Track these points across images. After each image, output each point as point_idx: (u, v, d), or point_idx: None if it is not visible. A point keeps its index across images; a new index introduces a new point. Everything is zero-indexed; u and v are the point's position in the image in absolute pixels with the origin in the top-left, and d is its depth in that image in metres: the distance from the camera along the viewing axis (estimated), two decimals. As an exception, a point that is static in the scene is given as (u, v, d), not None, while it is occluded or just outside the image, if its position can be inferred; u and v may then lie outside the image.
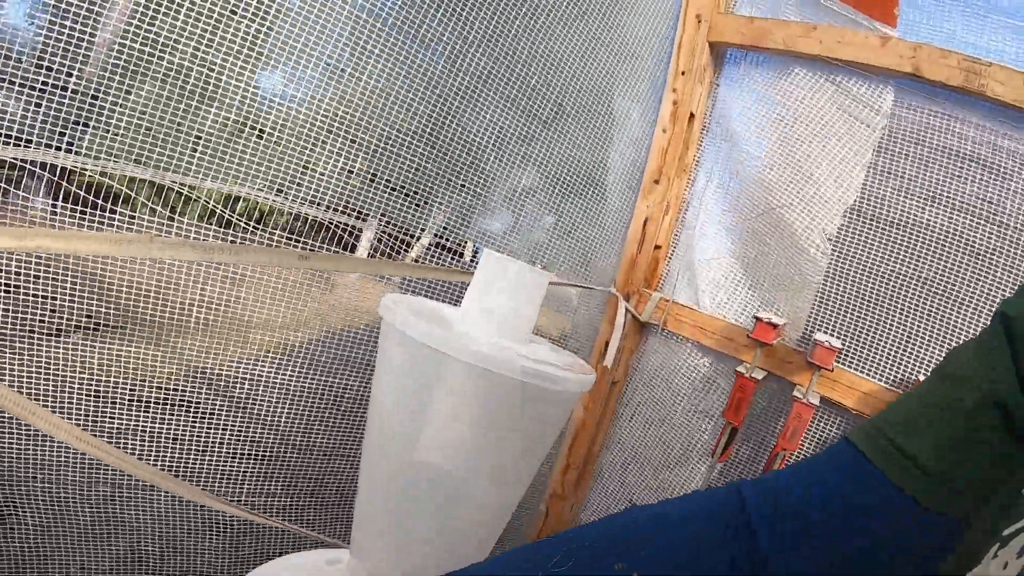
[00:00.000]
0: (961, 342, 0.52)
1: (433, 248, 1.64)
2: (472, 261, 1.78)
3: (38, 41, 1.04)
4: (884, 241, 1.75)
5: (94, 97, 1.09)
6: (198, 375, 1.42)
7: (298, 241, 1.40)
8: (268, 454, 1.57)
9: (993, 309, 1.58)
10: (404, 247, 1.54)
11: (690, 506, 0.56)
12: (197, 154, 1.24)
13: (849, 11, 1.74)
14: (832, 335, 1.79)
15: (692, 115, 1.99)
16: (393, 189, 1.48)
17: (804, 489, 0.51)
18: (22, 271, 1.16)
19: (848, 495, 0.50)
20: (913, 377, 1.71)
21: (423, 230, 1.58)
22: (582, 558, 0.52)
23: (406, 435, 0.66)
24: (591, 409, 2.09)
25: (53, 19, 1.05)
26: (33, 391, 1.24)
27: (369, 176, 1.44)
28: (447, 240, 1.66)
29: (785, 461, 1.78)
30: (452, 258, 1.67)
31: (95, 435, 1.27)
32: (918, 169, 1.72)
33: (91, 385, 1.30)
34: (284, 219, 1.41)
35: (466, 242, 1.74)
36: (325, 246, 1.44)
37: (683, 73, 1.96)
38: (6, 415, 1.22)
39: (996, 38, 1.59)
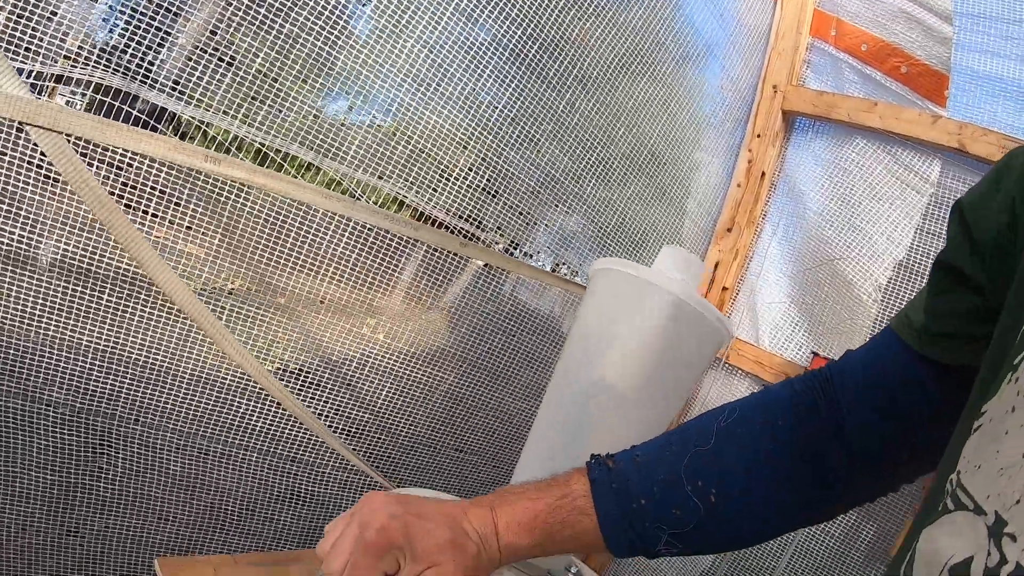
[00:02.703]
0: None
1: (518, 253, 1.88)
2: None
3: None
4: None
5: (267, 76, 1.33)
6: (314, 349, 1.59)
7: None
8: (362, 433, 1.73)
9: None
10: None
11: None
12: (354, 147, 1.47)
13: (907, 91, 1.97)
14: None
15: (763, 173, 2.22)
16: (509, 207, 1.73)
17: (863, 362, 0.72)
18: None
19: (885, 358, 0.70)
20: None
21: (529, 246, 1.82)
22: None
23: (600, 355, 0.84)
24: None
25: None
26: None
27: (492, 192, 1.69)
28: (558, 266, 1.90)
29: None
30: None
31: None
32: None
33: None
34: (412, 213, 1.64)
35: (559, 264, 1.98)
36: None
37: (758, 136, 2.21)
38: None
39: None
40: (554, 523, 0.71)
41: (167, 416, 1.46)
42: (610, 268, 0.88)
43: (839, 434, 0.68)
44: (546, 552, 0.73)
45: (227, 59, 1.29)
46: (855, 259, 2.02)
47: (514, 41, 1.59)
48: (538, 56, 1.65)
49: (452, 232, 1.65)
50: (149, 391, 1.42)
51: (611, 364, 0.83)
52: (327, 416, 1.66)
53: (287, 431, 1.62)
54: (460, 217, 1.66)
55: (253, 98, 1.34)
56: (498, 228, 1.74)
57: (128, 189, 1.26)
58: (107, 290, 1.30)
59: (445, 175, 1.62)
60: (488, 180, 1.68)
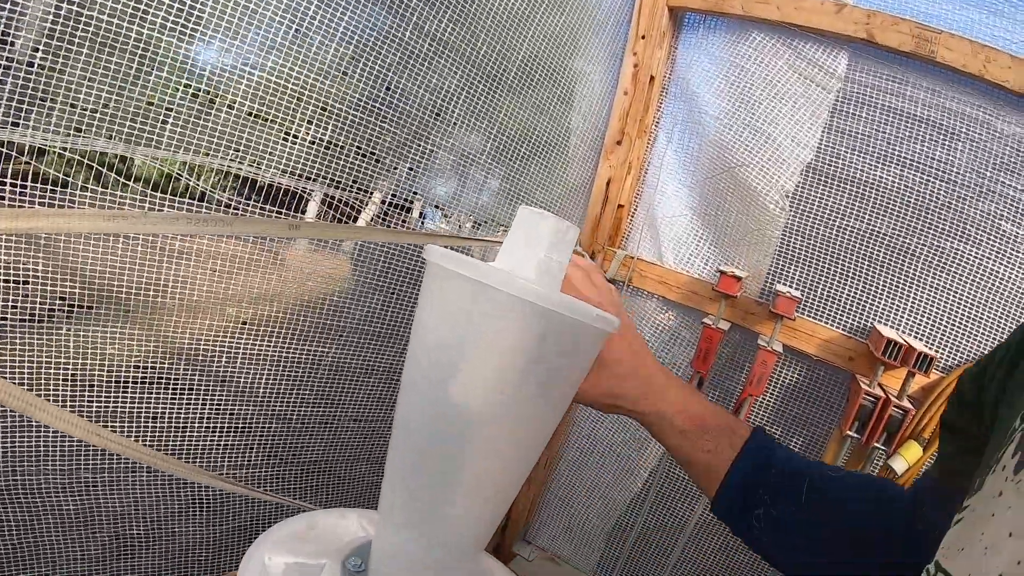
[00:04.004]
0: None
1: (387, 206, 1.64)
2: (420, 218, 1.79)
3: None
4: (839, 198, 1.86)
5: (51, 70, 1.09)
6: (174, 352, 1.42)
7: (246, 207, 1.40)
8: (247, 426, 1.58)
9: (940, 257, 1.67)
10: (356, 211, 1.55)
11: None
12: (168, 127, 1.24)
13: (805, -22, 1.79)
14: (791, 287, 1.89)
15: (652, 78, 2.03)
16: (354, 151, 1.49)
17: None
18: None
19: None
20: (868, 325, 1.83)
21: (374, 190, 1.59)
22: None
23: (444, 373, 0.67)
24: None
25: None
26: (16, 379, 1.20)
27: (339, 144, 1.46)
28: (404, 200, 1.68)
29: (751, 406, 1.90)
30: (405, 215, 1.68)
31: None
32: (871, 129, 1.82)
33: (68, 369, 1.27)
34: (233, 183, 1.42)
35: (414, 201, 1.75)
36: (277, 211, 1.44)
37: (643, 37, 2.00)
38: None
39: (947, 7, 1.68)
40: (702, 431, 0.80)
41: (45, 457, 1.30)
42: (441, 267, 0.66)
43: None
44: (664, 442, 0.81)
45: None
46: (759, 165, 1.90)
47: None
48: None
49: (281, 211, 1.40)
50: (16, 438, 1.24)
51: (465, 387, 0.68)
52: (209, 417, 1.49)
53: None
54: (305, 178, 1.41)
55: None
56: (352, 181, 1.50)
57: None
58: None
59: (281, 135, 1.36)
60: (333, 131, 1.43)
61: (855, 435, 1.69)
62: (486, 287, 0.63)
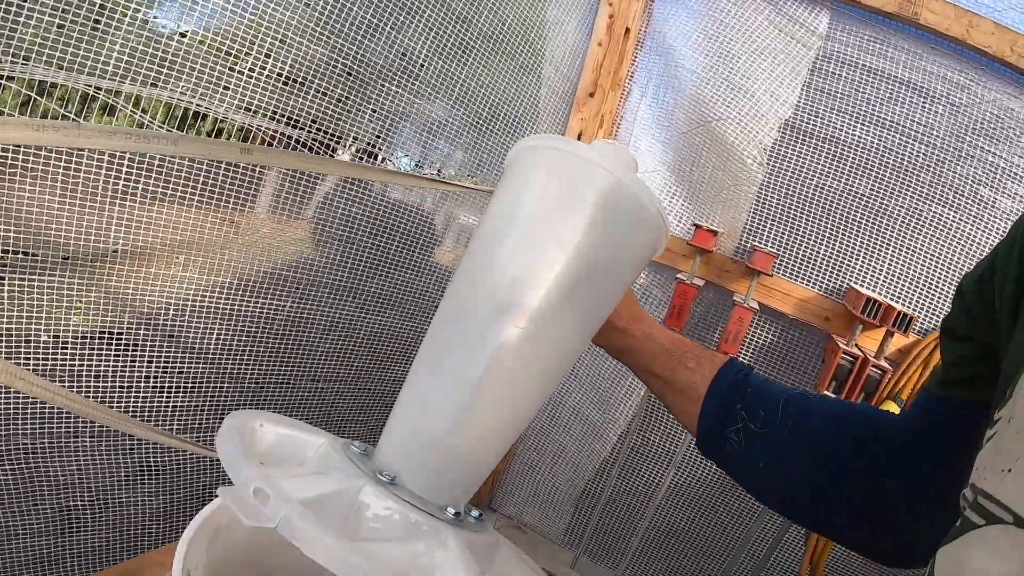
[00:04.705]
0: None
1: (350, 149, 1.56)
2: (383, 162, 1.70)
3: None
4: (818, 156, 1.84)
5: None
6: (118, 304, 1.31)
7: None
8: (198, 385, 1.48)
9: (918, 220, 1.65)
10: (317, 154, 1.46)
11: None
12: (115, 55, 1.13)
13: (791, -67, 1.76)
14: (767, 245, 1.86)
15: (628, 29, 1.97)
16: (323, 94, 1.40)
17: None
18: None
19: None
20: (845, 285, 1.82)
21: (355, 138, 1.51)
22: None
23: (523, 257, 0.68)
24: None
25: None
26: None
27: (298, 80, 1.36)
28: (377, 148, 1.59)
29: None
30: (369, 160, 1.60)
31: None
32: (851, 89, 1.81)
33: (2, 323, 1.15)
34: (208, 126, 1.32)
35: (378, 146, 1.66)
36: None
37: (620, -15, 1.93)
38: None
39: None
40: (685, 351, 0.83)
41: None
42: (549, 146, 0.68)
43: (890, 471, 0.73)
44: (648, 364, 0.84)
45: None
46: (736, 120, 1.86)
47: None
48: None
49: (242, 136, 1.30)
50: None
51: (537, 268, 0.67)
52: (156, 376, 1.37)
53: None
54: (261, 115, 1.31)
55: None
56: (312, 121, 1.40)
57: None
58: None
59: (234, 69, 1.26)
60: (291, 67, 1.33)
61: (832, 395, 1.66)
62: (593, 164, 0.66)
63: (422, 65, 1.56)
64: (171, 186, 1.26)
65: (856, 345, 1.71)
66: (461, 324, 0.66)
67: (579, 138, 2.02)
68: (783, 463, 0.77)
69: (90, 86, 1.11)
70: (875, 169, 1.78)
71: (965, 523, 0.39)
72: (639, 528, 2.09)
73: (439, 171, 1.78)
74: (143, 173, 1.20)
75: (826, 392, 1.66)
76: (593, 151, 0.66)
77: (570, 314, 0.67)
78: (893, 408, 1.63)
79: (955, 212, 1.74)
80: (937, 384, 0.69)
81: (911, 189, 1.76)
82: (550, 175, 0.70)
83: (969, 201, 1.73)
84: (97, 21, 1.08)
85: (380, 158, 1.63)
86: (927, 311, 1.79)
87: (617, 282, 0.72)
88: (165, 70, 1.17)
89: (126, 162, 1.17)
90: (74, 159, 1.12)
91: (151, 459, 1.42)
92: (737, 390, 0.80)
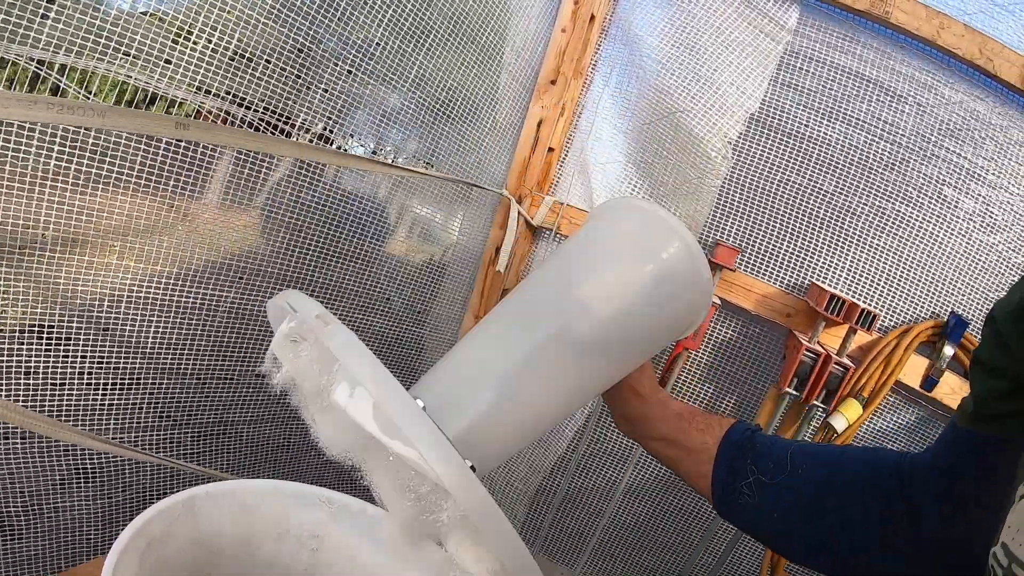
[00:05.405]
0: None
1: (302, 131, 1.48)
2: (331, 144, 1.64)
3: None
4: (784, 151, 1.83)
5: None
6: (47, 295, 1.23)
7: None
8: (134, 382, 1.37)
9: (882, 218, 1.64)
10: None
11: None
12: (48, 24, 1.05)
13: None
14: (729, 240, 1.86)
15: (593, 16, 1.93)
16: (274, 73, 1.32)
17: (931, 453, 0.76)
18: None
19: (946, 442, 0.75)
20: (807, 281, 1.82)
21: (307, 119, 1.43)
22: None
23: (593, 294, 0.76)
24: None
25: None
26: None
27: (247, 57, 1.28)
28: (329, 132, 1.52)
29: (687, 361, 1.86)
30: (321, 143, 1.52)
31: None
32: (819, 85, 1.79)
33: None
34: (158, 107, 1.24)
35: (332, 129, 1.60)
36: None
37: (586, -28, 1.88)
38: None
39: None
40: (694, 415, 0.89)
41: None
42: (637, 207, 0.81)
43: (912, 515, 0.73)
44: (661, 428, 0.89)
45: None
46: (701, 112, 1.84)
47: None
48: None
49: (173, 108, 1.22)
50: None
51: (603, 301, 0.76)
52: (90, 372, 1.28)
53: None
54: (205, 92, 1.23)
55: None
56: (261, 101, 1.32)
57: None
58: None
59: (181, 42, 1.18)
60: (242, 43, 1.25)
61: (794, 392, 1.65)
62: (673, 230, 0.75)
63: (378, 44, 1.49)
64: (106, 167, 1.16)
65: (818, 342, 1.70)
66: (536, 314, 0.75)
67: (539, 126, 1.98)
68: (798, 510, 0.79)
69: (32, 59, 1.03)
70: (840, 166, 1.77)
71: None
72: (597, 526, 2.05)
73: (393, 159, 1.71)
74: (75, 153, 1.10)
75: (787, 389, 1.65)
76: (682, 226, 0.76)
77: (614, 350, 0.75)
78: (855, 407, 1.63)
79: (919, 211, 1.74)
80: (967, 419, 0.69)
81: (876, 187, 1.76)
82: (643, 231, 0.78)
83: (933, 201, 1.73)
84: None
85: (334, 143, 1.56)
86: (890, 309, 1.79)
87: (654, 338, 0.80)
88: (111, 44, 1.09)
89: (58, 140, 1.08)
90: (1, 136, 1.03)
91: (87, 461, 1.33)
92: (745, 446, 0.84)
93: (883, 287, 1.78)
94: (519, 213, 1.95)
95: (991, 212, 1.72)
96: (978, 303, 1.75)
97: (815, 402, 1.66)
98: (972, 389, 0.69)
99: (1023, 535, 0.38)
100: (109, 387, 1.31)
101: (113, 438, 1.33)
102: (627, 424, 0.93)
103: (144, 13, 1.13)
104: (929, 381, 1.68)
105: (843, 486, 0.78)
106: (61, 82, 1.06)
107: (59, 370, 1.22)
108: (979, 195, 1.71)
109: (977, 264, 1.74)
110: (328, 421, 0.68)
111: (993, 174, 1.70)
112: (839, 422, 1.64)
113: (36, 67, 1.03)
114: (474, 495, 0.54)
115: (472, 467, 0.64)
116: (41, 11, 0.98)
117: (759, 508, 0.81)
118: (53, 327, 1.20)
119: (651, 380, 0.90)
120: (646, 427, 0.90)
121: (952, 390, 1.70)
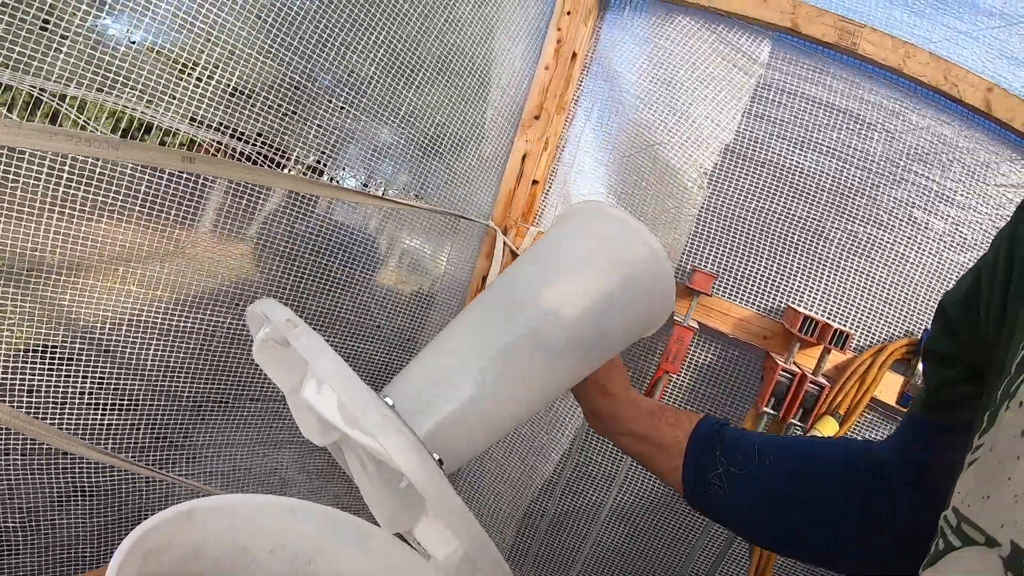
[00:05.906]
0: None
1: (296, 163, 1.54)
2: (328, 179, 1.70)
3: None
4: (758, 180, 1.89)
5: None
6: (52, 317, 1.28)
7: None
8: (134, 403, 1.41)
9: (854, 241, 1.70)
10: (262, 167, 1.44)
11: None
12: (60, 58, 1.11)
13: (732, -36, 1.82)
14: (706, 266, 1.91)
15: (575, 54, 2.00)
16: (270, 107, 1.39)
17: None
18: None
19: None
20: (783, 304, 1.87)
21: (301, 152, 1.50)
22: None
23: (566, 290, 0.79)
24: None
25: None
26: None
27: (246, 92, 1.35)
28: (322, 165, 1.58)
29: (667, 385, 1.89)
30: (315, 176, 1.59)
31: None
32: (791, 116, 1.86)
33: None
34: (153, 139, 1.30)
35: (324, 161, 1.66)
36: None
37: (568, 13, 1.98)
38: None
39: (870, 4, 1.75)
40: (664, 411, 0.90)
41: None
42: (607, 213, 0.84)
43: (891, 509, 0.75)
44: (631, 425, 0.90)
45: None
46: (678, 144, 1.90)
47: None
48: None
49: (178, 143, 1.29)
50: None
51: (572, 303, 0.79)
52: (91, 392, 1.32)
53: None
54: (207, 126, 1.30)
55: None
56: (258, 134, 1.39)
57: None
58: None
59: (182, 76, 1.25)
60: (239, 79, 1.32)
61: (772, 411, 1.69)
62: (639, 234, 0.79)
63: (370, 81, 1.56)
64: (111, 196, 1.22)
65: (794, 362, 1.75)
66: (505, 314, 0.76)
67: (523, 160, 2.04)
68: (767, 501, 0.81)
69: (35, 87, 1.09)
70: (812, 193, 1.83)
71: (947, 546, 0.41)
72: (583, 547, 2.08)
73: (384, 191, 1.77)
74: (83, 182, 1.17)
75: (765, 409, 1.69)
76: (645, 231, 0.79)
77: (582, 347, 0.77)
78: (831, 424, 1.67)
79: (889, 234, 1.79)
80: (920, 405, 0.72)
81: (847, 212, 1.81)
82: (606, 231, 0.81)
83: (903, 223, 1.79)
84: (46, 22, 1.07)
85: (327, 176, 1.62)
86: (863, 329, 1.83)
87: (620, 339, 0.82)
88: (112, 75, 1.16)
89: (67, 169, 1.14)
90: (14, 163, 1.10)
91: (85, 478, 1.36)
92: (715, 438, 0.85)
93: (857, 308, 1.82)
94: (505, 243, 2.01)
95: (960, 232, 1.77)
96: (951, 323, 1.78)
97: (793, 420, 1.71)
98: (926, 382, 0.71)
99: (971, 497, 0.40)
100: (108, 407, 1.36)
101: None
102: (600, 423, 0.93)
103: (151, 49, 1.20)
104: (905, 397, 1.73)
105: (816, 479, 0.79)
106: (62, 107, 1.12)
107: (61, 389, 1.27)
108: (948, 216, 1.76)
109: (949, 282, 1.79)
110: (307, 418, 0.70)
111: (962, 195, 1.76)
112: (816, 439, 1.67)
113: (39, 93, 1.10)
114: (437, 486, 0.56)
115: (440, 461, 0.67)
116: (44, 43, 1.05)
117: (727, 499, 0.82)
118: (56, 347, 1.25)
119: (623, 380, 0.91)
120: (617, 425, 0.90)
121: (928, 408, 1.73)
